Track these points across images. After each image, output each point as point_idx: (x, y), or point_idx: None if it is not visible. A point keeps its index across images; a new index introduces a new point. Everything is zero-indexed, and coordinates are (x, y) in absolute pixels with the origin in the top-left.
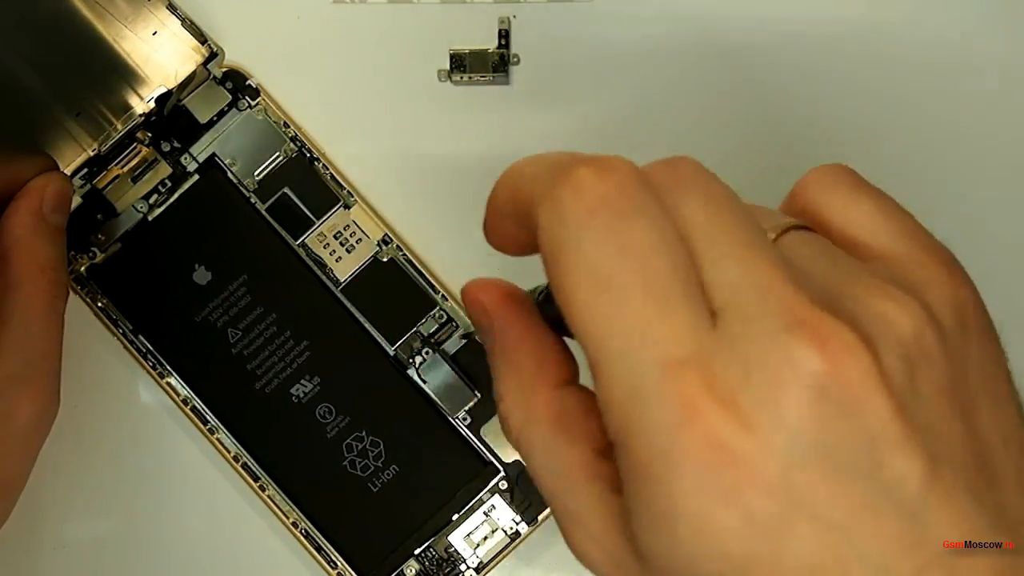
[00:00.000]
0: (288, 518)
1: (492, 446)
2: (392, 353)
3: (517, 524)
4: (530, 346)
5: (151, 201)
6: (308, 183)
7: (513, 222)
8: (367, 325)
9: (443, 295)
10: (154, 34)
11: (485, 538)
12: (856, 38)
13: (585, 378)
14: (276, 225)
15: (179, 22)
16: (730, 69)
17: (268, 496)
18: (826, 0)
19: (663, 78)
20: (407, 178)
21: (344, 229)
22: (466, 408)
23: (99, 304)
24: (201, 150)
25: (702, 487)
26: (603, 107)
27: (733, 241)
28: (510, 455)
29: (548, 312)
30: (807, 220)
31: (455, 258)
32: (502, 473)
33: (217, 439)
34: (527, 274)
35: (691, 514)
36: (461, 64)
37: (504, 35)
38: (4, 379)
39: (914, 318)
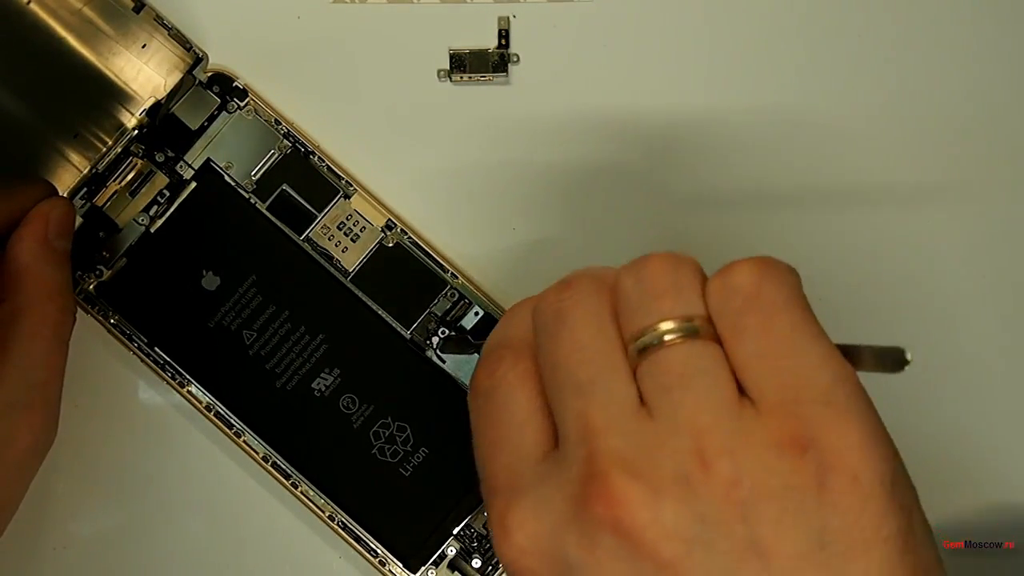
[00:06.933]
0: (324, 512)
1: None
2: (408, 336)
3: None
4: None
5: (151, 213)
6: (306, 177)
7: None
8: (380, 311)
9: (452, 273)
10: (143, 47)
11: None
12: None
13: None
14: (279, 223)
15: (166, 31)
16: (730, 69)
17: (301, 492)
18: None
19: (663, 78)
20: (407, 178)
21: (347, 219)
22: None
23: (111, 321)
24: (195, 156)
25: None
26: (603, 107)
27: (571, 380)
28: None
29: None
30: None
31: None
32: None
33: (244, 442)
34: (528, 262)
35: None
36: (461, 64)
37: (504, 35)
38: (4, 405)
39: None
